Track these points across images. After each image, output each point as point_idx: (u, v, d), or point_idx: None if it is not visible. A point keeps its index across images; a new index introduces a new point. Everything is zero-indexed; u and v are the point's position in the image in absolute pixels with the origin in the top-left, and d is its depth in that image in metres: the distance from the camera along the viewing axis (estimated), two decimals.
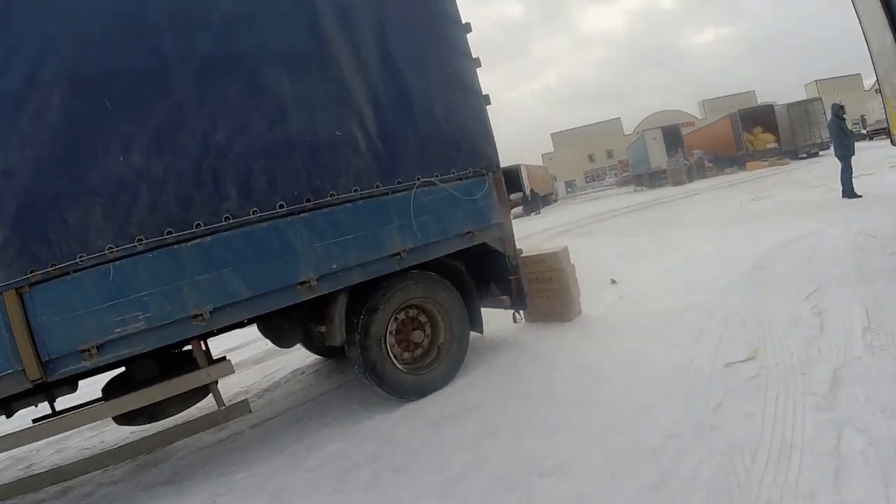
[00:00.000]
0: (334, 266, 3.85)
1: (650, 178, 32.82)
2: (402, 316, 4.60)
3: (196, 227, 3.40)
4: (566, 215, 23.68)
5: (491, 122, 5.07)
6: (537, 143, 77.21)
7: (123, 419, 3.80)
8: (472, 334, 5.04)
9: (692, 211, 14.39)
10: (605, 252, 9.72)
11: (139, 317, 3.21)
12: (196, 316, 3.35)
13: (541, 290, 5.68)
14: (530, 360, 4.79)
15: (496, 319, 5.58)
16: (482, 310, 5.20)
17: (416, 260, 4.41)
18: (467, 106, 4.85)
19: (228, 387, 5.96)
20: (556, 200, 45.32)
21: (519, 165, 33.57)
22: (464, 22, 4.99)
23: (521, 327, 5.65)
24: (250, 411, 3.87)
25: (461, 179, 4.71)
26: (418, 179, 4.44)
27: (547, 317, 5.71)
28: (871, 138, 29.59)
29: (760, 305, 4.83)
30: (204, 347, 3.85)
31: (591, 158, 72.28)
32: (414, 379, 4.49)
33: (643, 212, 17.30)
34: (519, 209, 31.28)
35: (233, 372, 3.79)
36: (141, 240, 3.25)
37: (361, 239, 4.04)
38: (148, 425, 4.14)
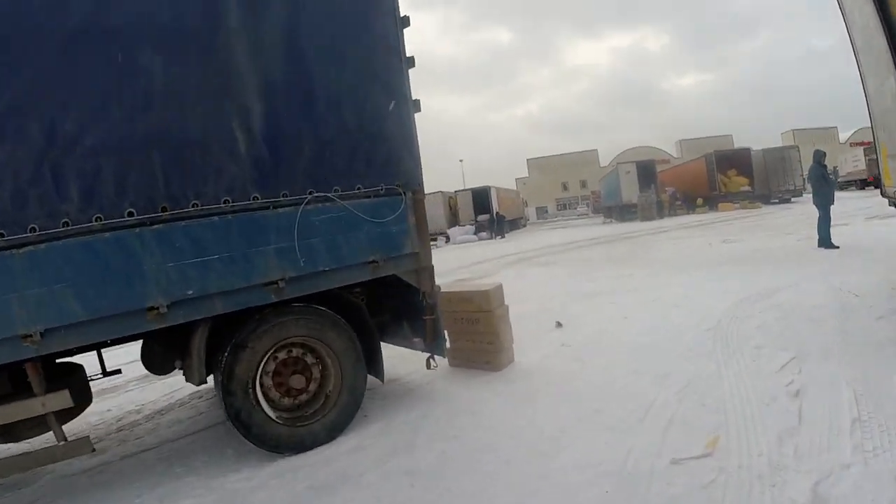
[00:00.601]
0: (190, 292, 3.15)
1: (620, 212, 32.39)
2: (282, 355, 3.74)
3: (30, 232, 2.78)
4: (531, 242, 22.88)
5: (418, 133, 4.19)
6: (513, 167, 77.44)
7: None
8: (373, 380, 4.19)
9: (659, 249, 13.74)
10: (559, 287, 8.94)
11: None
12: (26, 336, 2.78)
13: (466, 332, 4.83)
14: (434, 421, 3.91)
15: (416, 359, 4.67)
16: (396, 348, 4.42)
17: (299, 291, 3.59)
18: (388, 111, 4.00)
19: (125, 402, 5.60)
20: (524, 225, 44.80)
21: (489, 187, 33.18)
22: (401, 15, 4.15)
23: (440, 372, 4.74)
24: (93, 450, 3.26)
25: (369, 197, 3.85)
26: (310, 194, 3.60)
27: (472, 362, 4.85)
28: (840, 188, 29.94)
29: (725, 375, 4.00)
30: (40, 372, 3.04)
31: (564, 187, 72.52)
32: (290, 431, 3.68)
33: (609, 245, 16.52)
34: (484, 233, 30.88)
35: (72, 404, 3.11)
36: None
37: (228, 261, 3.29)
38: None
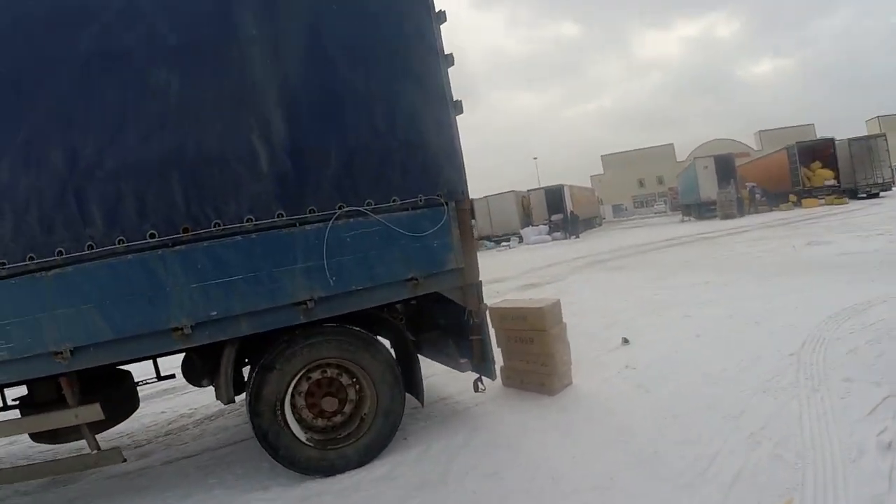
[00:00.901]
0: (214, 313, 3.05)
1: (699, 209, 29.92)
2: (316, 375, 3.48)
3: (58, 255, 2.86)
4: (605, 243, 21.40)
5: (461, 139, 3.74)
6: (588, 164, 74.49)
7: (34, 436, 3.51)
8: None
9: (739, 252, 12.02)
10: (629, 296, 8.07)
11: (1, 346, 2.83)
12: (56, 353, 2.88)
13: (520, 352, 4.31)
14: (473, 452, 3.46)
15: (467, 377, 4.13)
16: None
17: (329, 312, 3.32)
18: (426, 113, 3.58)
19: (180, 405, 5.64)
20: (600, 224, 42.60)
21: (562, 185, 31.99)
22: (437, 10, 3.75)
23: (491, 393, 4.27)
24: (124, 460, 3.30)
25: (407, 210, 3.47)
26: (340, 208, 3.28)
27: (525, 384, 4.32)
28: None
29: (807, 418, 3.26)
30: (73, 386, 3.10)
31: (641, 183, 68.26)
32: (320, 454, 3.42)
33: (685, 248, 14.76)
34: (558, 233, 29.52)
35: (102, 417, 3.11)
36: (3, 264, 2.82)
37: (252, 282, 3.12)
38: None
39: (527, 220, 30.88)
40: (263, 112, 3.17)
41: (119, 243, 2.91)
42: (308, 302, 3.20)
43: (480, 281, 3.77)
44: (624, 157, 69.34)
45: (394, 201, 3.45)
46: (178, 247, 3.00)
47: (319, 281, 3.23)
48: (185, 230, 3.00)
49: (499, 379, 4.42)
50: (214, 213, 3.06)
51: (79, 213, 2.89)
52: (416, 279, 3.48)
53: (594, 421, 3.65)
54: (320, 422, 3.52)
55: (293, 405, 3.43)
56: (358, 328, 3.51)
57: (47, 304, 2.85)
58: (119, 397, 3.70)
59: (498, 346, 4.45)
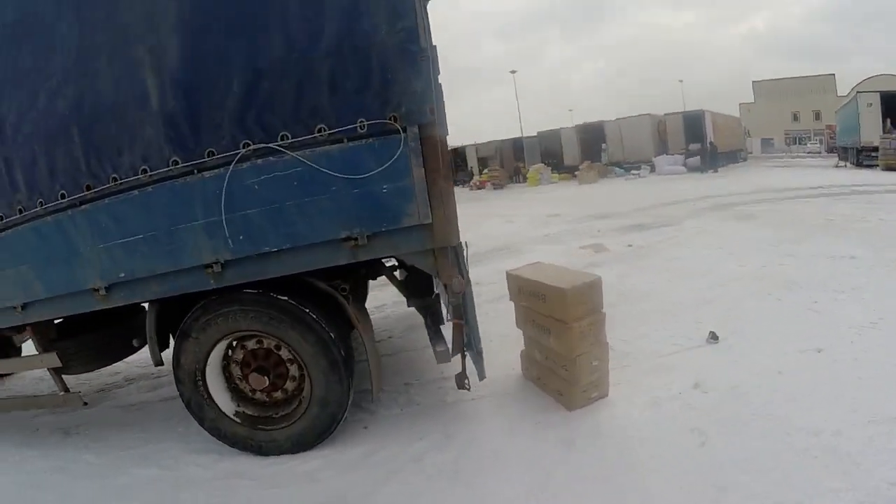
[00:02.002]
0: (122, 274, 2.71)
1: (857, 154, 22.39)
2: (251, 345, 2.83)
3: None
4: (743, 182, 16.68)
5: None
6: (738, 92, 62.06)
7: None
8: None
9: None
10: (749, 260, 5.65)
11: None
12: (14, 308, 3.04)
13: (538, 342, 3.04)
14: (424, 471, 2.47)
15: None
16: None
17: (243, 277, 2.57)
18: (370, 8, 2.33)
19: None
20: (745, 159, 34.72)
21: (703, 111, 26.79)
22: None
23: (500, 386, 3.16)
24: (85, 404, 3.41)
25: (339, 142, 2.35)
26: (244, 147, 2.38)
27: (543, 384, 3.06)
28: None
29: None
30: (37, 336, 3.22)
31: (795, 117, 53.87)
32: (247, 433, 2.86)
33: (834, 201, 10.17)
34: (695, 161, 24.79)
35: (59, 364, 3.14)
36: None
37: (153, 241, 2.60)
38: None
39: (662, 147, 26.62)
40: (155, 42, 2.46)
41: (39, 205, 2.75)
42: (214, 265, 2.52)
43: (462, 243, 2.54)
44: (777, 86, 55.40)
45: (320, 132, 2.34)
46: (84, 206, 2.67)
47: (222, 240, 2.45)
48: (88, 188, 2.63)
49: (515, 372, 3.29)
50: (111, 166, 2.59)
51: (8, 179, 2.80)
52: (356, 239, 2.40)
53: (604, 480, 2.23)
54: (259, 396, 2.87)
55: (227, 375, 2.89)
56: (285, 298, 2.62)
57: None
58: (90, 346, 3.32)
59: (517, 326, 3.26)
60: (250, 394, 2.89)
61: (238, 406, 2.89)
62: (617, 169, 24.50)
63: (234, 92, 2.39)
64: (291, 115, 2.37)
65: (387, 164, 2.33)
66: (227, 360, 2.89)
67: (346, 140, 2.36)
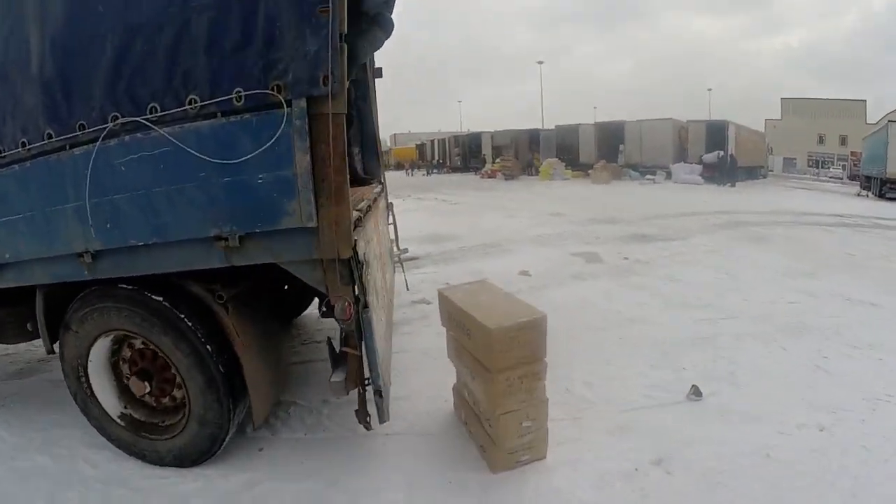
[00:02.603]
0: (7, 255, 2.43)
1: (881, 185, 20.41)
2: (138, 344, 2.43)
3: None
4: (760, 200, 15.10)
5: None
6: (765, 106, 59.58)
7: None
8: None
9: None
10: (755, 293, 4.81)
11: None
12: None
13: (464, 382, 2.49)
14: None
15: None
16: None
17: (116, 271, 2.18)
18: None
19: None
20: (764, 176, 32.52)
21: (727, 122, 25.26)
22: None
23: (423, 424, 2.65)
24: None
25: (212, 118, 1.85)
26: (113, 121, 1.93)
27: (470, 431, 2.49)
28: None
29: None
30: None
31: (820, 139, 50.11)
32: (131, 438, 2.47)
33: (856, 233, 8.82)
34: (712, 175, 23.11)
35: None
36: None
37: (31, 222, 2.29)
38: None
39: (682, 154, 25.26)
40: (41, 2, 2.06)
41: None
42: (85, 254, 2.15)
43: (357, 255, 1.95)
44: (806, 106, 52.24)
45: (191, 103, 1.85)
46: None
47: (88, 227, 2.06)
48: None
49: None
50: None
51: None
52: (226, 239, 1.90)
53: None
54: (148, 399, 2.46)
55: (117, 373, 2.50)
56: (160, 299, 2.16)
57: None
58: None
59: (448, 357, 2.68)
60: (139, 396, 2.45)
61: (125, 408, 2.51)
62: (632, 172, 23.31)
63: (106, 54, 1.93)
64: (162, 84, 1.90)
65: (264, 148, 1.80)
66: (116, 358, 2.49)
67: (219, 115, 1.87)
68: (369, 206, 2.85)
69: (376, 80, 4.48)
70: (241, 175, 1.83)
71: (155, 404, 2.46)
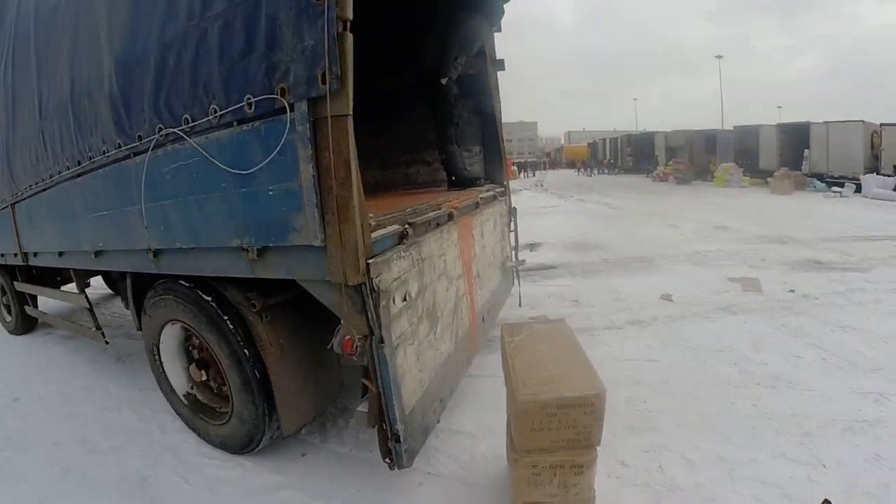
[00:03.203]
0: (100, 244, 2.83)
1: None
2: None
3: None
4: None
5: None
6: None
7: None
8: None
9: None
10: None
11: None
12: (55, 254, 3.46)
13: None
14: None
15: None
16: None
17: (170, 268, 2.34)
18: None
19: None
20: None
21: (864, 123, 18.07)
22: None
23: (480, 476, 2.21)
24: (107, 343, 3.52)
25: (230, 126, 1.78)
26: (159, 131, 2.05)
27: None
28: None
29: None
30: (78, 279, 3.63)
31: None
32: (191, 416, 2.70)
33: None
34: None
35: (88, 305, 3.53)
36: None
37: (112, 218, 2.58)
38: None
39: (874, 163, 18.88)
40: (107, 26, 2.30)
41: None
42: (150, 251, 2.36)
43: (371, 282, 1.67)
44: None
45: (213, 112, 1.81)
46: (76, 178, 2.77)
47: (151, 227, 2.26)
48: (79, 163, 2.69)
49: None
50: (87, 145, 2.58)
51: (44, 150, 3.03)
52: (247, 250, 1.85)
53: None
54: (212, 384, 2.64)
55: (187, 358, 2.73)
56: (209, 299, 2.23)
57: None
58: None
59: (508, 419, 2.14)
60: (198, 381, 2.65)
61: (191, 388, 2.71)
62: (816, 182, 18.21)
63: (150, 71, 2.05)
64: (190, 95, 1.91)
65: (271, 157, 1.67)
66: (188, 344, 2.70)
67: (235, 123, 1.79)
68: (449, 216, 2.54)
69: (498, 73, 4.12)
70: (254, 186, 1.73)
71: (217, 391, 2.60)
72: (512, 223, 4.14)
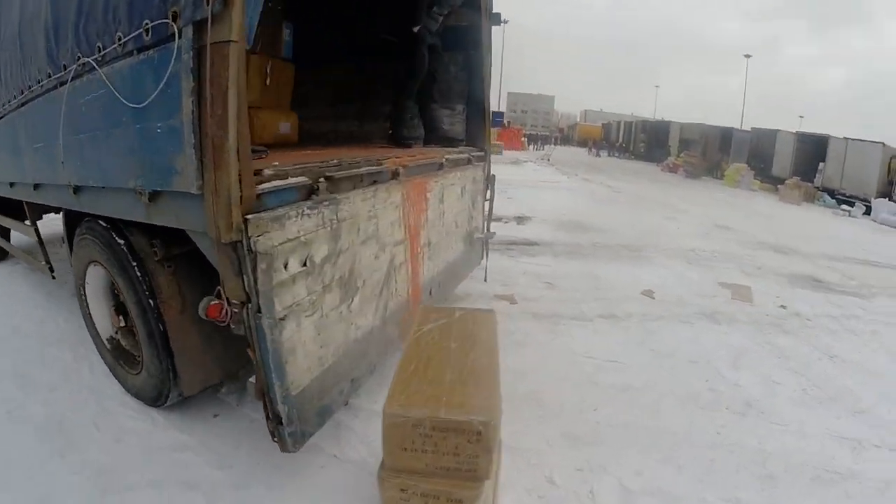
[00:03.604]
0: (37, 177, 2.64)
1: None
2: None
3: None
4: None
5: None
6: None
7: None
8: None
9: None
10: None
11: None
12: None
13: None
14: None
15: None
16: None
17: (89, 206, 2.13)
18: None
19: None
20: None
21: None
22: None
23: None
24: (53, 277, 3.44)
25: (130, 55, 1.52)
26: (77, 59, 1.83)
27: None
28: None
29: None
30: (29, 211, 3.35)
31: None
32: (113, 361, 2.49)
33: None
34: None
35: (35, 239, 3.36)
36: None
37: (44, 150, 2.36)
38: None
39: (887, 188, 17.94)
40: None
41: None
42: (70, 186, 2.14)
43: (249, 241, 1.37)
44: None
45: (119, 40, 1.56)
46: (20, 108, 2.58)
47: (67, 162, 2.07)
48: (21, 92, 2.49)
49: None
50: (30, 73, 2.37)
51: None
52: (141, 193, 1.61)
53: None
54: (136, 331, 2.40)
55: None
56: (121, 242, 1.99)
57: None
58: None
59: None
60: (115, 327, 2.46)
61: (116, 333, 2.49)
62: (826, 198, 17.62)
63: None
64: (102, 22, 1.66)
65: (159, 90, 1.36)
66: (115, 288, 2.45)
67: (135, 52, 1.53)
68: (394, 173, 2.24)
69: (493, 27, 3.63)
70: (147, 122, 1.46)
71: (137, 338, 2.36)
72: (489, 192, 3.74)
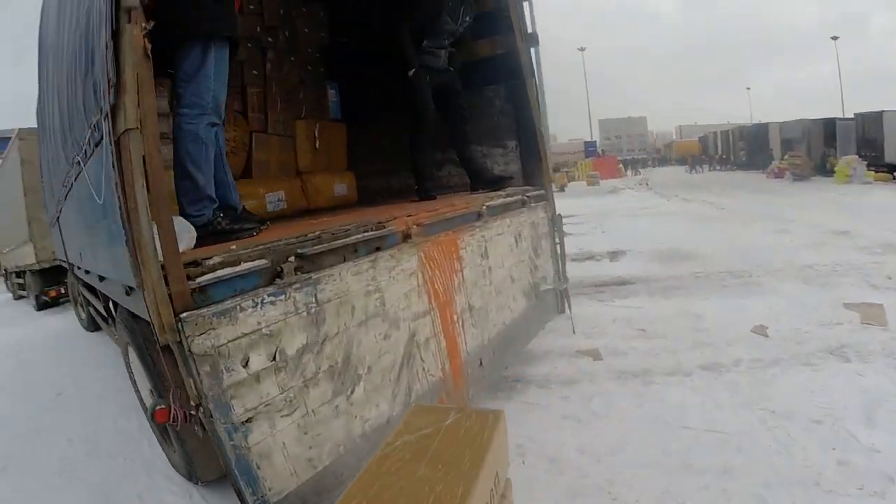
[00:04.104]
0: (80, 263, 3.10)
1: None
2: None
3: None
4: None
5: None
6: None
7: None
8: None
9: None
10: None
11: None
12: None
13: None
14: None
15: None
16: None
17: (108, 292, 2.46)
18: None
19: None
20: None
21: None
22: None
23: None
24: None
25: (95, 152, 1.59)
26: (74, 157, 2.20)
27: None
28: None
29: None
30: None
31: None
32: (159, 436, 2.60)
33: None
34: None
35: None
36: None
37: (74, 240, 3.00)
38: None
39: None
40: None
41: None
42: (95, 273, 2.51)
43: (188, 343, 1.16)
44: None
45: (85, 138, 1.74)
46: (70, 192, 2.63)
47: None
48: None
49: None
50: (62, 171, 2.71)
51: None
52: (119, 284, 1.71)
53: None
54: None
55: None
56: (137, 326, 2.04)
57: None
58: None
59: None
60: None
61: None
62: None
63: (73, 95, 1.95)
64: (78, 119, 1.86)
65: (104, 186, 1.42)
66: None
67: (95, 149, 1.64)
68: (407, 234, 1.99)
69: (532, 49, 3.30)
70: (105, 217, 1.47)
71: None
72: (556, 236, 3.30)
